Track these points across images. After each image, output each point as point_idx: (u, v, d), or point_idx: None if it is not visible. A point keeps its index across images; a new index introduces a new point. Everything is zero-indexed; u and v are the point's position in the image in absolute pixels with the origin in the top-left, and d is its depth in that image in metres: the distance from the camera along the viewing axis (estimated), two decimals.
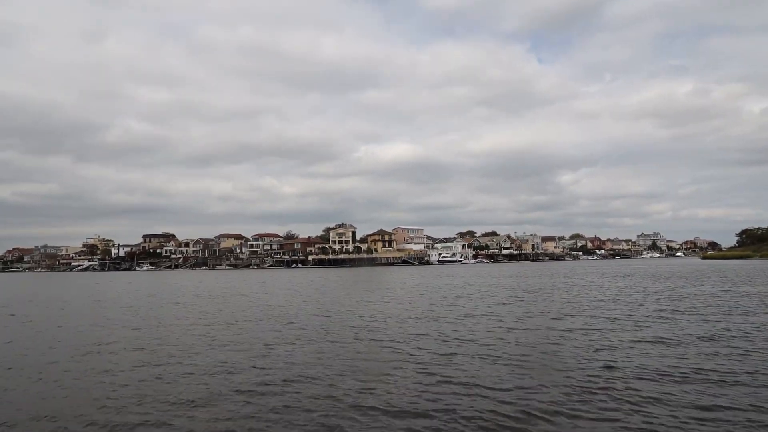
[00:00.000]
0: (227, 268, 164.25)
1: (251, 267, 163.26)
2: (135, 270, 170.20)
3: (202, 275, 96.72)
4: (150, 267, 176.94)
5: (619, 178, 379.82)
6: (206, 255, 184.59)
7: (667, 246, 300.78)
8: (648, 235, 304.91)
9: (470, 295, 31.62)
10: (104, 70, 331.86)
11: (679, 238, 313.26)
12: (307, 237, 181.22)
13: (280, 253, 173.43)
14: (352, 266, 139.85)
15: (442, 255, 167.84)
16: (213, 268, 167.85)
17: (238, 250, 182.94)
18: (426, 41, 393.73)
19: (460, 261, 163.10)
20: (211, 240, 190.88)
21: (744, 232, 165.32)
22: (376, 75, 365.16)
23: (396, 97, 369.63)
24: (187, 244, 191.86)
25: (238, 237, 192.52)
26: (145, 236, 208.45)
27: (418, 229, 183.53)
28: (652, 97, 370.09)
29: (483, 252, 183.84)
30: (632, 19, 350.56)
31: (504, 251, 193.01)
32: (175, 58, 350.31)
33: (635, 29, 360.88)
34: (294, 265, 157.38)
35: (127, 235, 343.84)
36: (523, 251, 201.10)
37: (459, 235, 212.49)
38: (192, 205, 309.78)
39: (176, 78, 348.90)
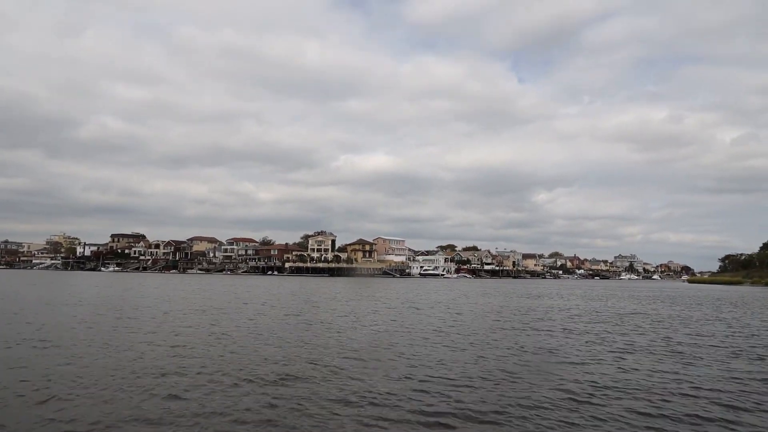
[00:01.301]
0: (199, 272, 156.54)
1: (224, 272, 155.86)
2: (100, 270, 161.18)
3: (170, 279, 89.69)
4: (116, 268, 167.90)
5: (594, 199, 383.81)
6: (177, 258, 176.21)
7: (644, 268, 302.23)
8: (625, 257, 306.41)
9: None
10: (80, 65, 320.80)
11: (649, 260, 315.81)
12: (284, 243, 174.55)
13: (255, 259, 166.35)
14: (331, 276, 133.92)
15: (424, 268, 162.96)
16: (184, 271, 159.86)
17: (212, 254, 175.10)
18: (408, 53, 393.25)
19: (443, 275, 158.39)
20: (184, 242, 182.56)
21: (727, 257, 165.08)
22: (357, 84, 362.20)
23: (377, 108, 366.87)
24: (157, 246, 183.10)
25: (212, 240, 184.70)
26: (113, 236, 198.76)
27: (399, 240, 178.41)
28: (628, 122, 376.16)
29: (465, 267, 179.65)
30: (611, 44, 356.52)
31: (486, 266, 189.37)
32: (154, 57, 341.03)
33: (614, 54, 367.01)
34: (270, 272, 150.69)
35: (97, 234, 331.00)
36: (504, 267, 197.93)
37: (440, 248, 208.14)
38: (166, 206, 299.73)
39: (154, 77, 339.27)
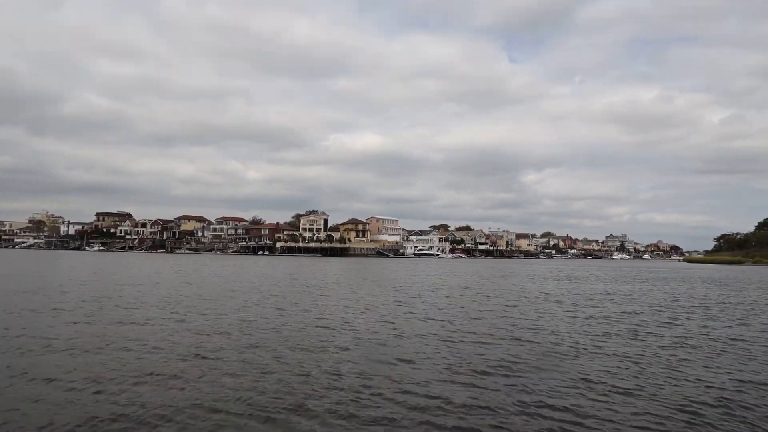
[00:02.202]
0: (187, 252, 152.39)
1: (213, 252, 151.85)
2: (84, 250, 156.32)
3: (155, 259, 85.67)
4: (101, 247, 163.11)
5: (582, 180, 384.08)
6: (165, 237, 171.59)
7: (634, 248, 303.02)
8: (616, 237, 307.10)
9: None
10: (62, 39, 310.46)
11: (638, 240, 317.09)
12: (275, 223, 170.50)
13: (245, 238, 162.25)
14: (324, 256, 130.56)
15: (419, 248, 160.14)
16: (171, 251, 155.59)
17: (200, 234, 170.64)
18: (399, 32, 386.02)
19: (437, 255, 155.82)
20: (171, 221, 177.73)
21: (722, 237, 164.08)
22: (347, 63, 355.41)
23: (367, 87, 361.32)
24: (144, 225, 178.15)
25: (201, 219, 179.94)
26: (98, 214, 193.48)
27: (393, 220, 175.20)
28: (619, 102, 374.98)
29: (459, 247, 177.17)
30: (603, 24, 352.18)
31: (480, 246, 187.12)
32: (138, 32, 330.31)
33: (606, 34, 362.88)
34: (260, 252, 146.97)
35: (82, 213, 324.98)
36: (498, 247, 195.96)
37: (433, 228, 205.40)
38: (153, 186, 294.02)
39: (138, 52, 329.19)
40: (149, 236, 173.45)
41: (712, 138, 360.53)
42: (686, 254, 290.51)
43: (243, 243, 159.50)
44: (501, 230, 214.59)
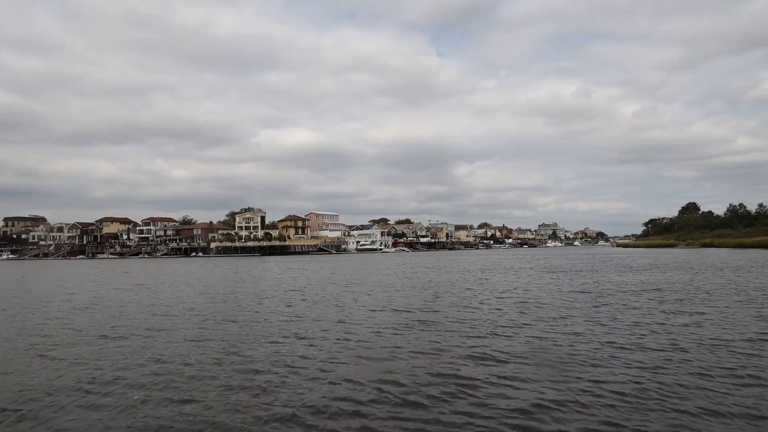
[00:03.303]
0: (111, 257, 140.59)
1: (141, 256, 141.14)
2: None
3: (70, 268, 76.67)
4: (11, 256, 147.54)
5: (511, 171, 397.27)
6: (85, 242, 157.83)
7: (565, 236, 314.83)
8: (548, 225, 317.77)
9: None
10: None
11: (566, 228, 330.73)
12: (208, 222, 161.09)
13: (176, 240, 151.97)
14: (263, 255, 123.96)
15: (361, 243, 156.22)
16: (93, 257, 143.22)
17: (125, 237, 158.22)
18: (328, 25, 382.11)
19: (381, 249, 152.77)
20: (92, 224, 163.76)
21: (650, 222, 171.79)
22: (277, 57, 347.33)
23: (297, 81, 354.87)
24: (60, 229, 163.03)
25: (125, 221, 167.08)
26: (6, 219, 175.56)
27: (333, 215, 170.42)
28: (542, 96, 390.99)
29: (402, 240, 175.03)
30: (526, 19, 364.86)
31: (422, 239, 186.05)
32: (47, 24, 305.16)
33: (529, 30, 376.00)
34: (194, 254, 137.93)
35: None
36: (438, 239, 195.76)
37: (373, 222, 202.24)
38: (70, 188, 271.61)
39: (48, 45, 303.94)
40: (67, 241, 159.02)
41: (626, 129, 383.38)
42: (612, 239, 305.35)
43: (174, 245, 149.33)
44: (440, 222, 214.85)
